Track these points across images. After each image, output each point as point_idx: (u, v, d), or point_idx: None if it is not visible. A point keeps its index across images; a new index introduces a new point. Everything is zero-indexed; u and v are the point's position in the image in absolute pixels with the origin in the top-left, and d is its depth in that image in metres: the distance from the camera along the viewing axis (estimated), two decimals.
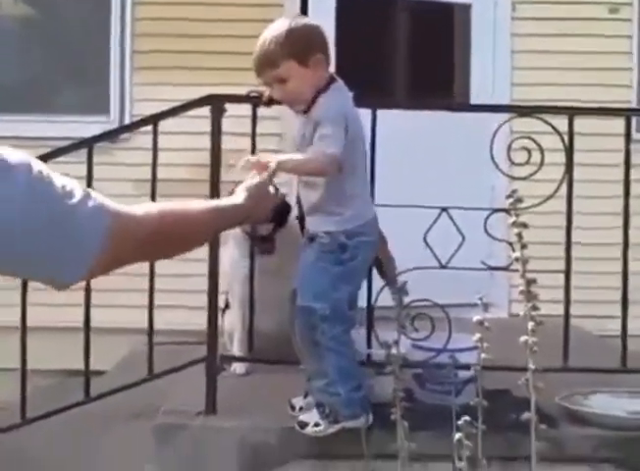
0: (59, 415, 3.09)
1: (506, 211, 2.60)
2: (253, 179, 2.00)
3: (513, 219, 2.55)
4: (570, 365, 3.05)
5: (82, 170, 3.12)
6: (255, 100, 3.06)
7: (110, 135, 3.67)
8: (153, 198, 3.17)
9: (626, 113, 3.36)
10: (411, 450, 2.51)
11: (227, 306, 3.67)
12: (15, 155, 1.39)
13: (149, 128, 3.28)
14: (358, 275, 2.87)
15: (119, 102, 4.76)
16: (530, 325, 2.44)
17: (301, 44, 2.73)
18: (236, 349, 3.55)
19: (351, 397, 2.79)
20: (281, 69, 2.73)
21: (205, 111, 3.14)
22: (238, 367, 3.46)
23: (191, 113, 3.25)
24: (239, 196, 1.85)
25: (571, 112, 3.21)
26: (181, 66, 4.66)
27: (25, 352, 3.10)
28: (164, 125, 3.33)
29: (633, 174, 3.20)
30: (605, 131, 4.24)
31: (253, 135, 3.16)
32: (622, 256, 3.16)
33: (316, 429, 2.79)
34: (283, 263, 3.28)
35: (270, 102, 2.98)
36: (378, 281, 3.21)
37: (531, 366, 2.40)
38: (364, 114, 2.99)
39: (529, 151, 3.04)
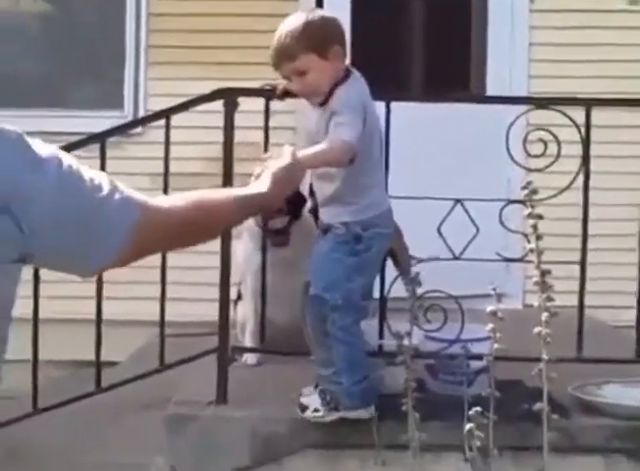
0: (70, 405, 3.10)
1: (522, 202, 2.60)
2: (278, 164, 1.94)
3: (529, 210, 2.55)
4: (584, 356, 3.03)
5: (96, 164, 3.13)
6: (268, 93, 3.05)
7: (121, 130, 3.67)
8: (166, 192, 3.18)
9: None
10: (422, 440, 2.50)
11: (239, 298, 3.67)
12: (46, 149, 1.40)
13: (163, 122, 3.28)
14: (372, 266, 2.86)
15: (133, 97, 4.77)
16: (544, 316, 2.44)
17: (319, 37, 2.73)
18: (247, 340, 3.55)
19: (353, 389, 2.78)
20: (299, 61, 2.72)
21: (219, 105, 3.14)
22: (249, 358, 3.45)
23: (205, 107, 3.26)
24: (264, 183, 1.81)
25: (588, 103, 3.19)
26: (195, 61, 4.66)
27: (36, 344, 3.11)
28: (178, 119, 3.33)
29: None
30: (622, 123, 4.20)
31: (266, 129, 3.16)
32: (638, 247, 3.14)
33: (315, 414, 2.80)
34: (297, 256, 3.28)
35: (284, 95, 2.98)
36: (391, 272, 3.20)
37: (544, 357, 2.39)
38: (379, 106, 2.98)
39: (545, 143, 3.02)
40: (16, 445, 3.09)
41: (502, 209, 3.05)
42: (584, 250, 3.11)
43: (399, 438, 2.54)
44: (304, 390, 2.90)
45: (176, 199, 1.57)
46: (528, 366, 2.43)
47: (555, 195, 2.98)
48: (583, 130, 3.10)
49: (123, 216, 1.43)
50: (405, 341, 2.62)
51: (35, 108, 4.67)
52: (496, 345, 2.47)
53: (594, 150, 3.15)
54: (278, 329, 3.30)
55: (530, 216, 2.49)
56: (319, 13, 2.86)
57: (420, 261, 3.00)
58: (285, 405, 2.89)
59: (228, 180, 3.05)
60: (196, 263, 3.85)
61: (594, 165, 3.15)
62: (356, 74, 2.83)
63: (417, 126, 4.11)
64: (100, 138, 3.32)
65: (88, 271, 1.47)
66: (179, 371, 3.18)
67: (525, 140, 3.05)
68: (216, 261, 3.09)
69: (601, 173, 3.37)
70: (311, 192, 2.93)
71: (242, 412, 2.92)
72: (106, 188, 1.42)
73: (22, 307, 1.59)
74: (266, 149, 3.06)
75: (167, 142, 3.27)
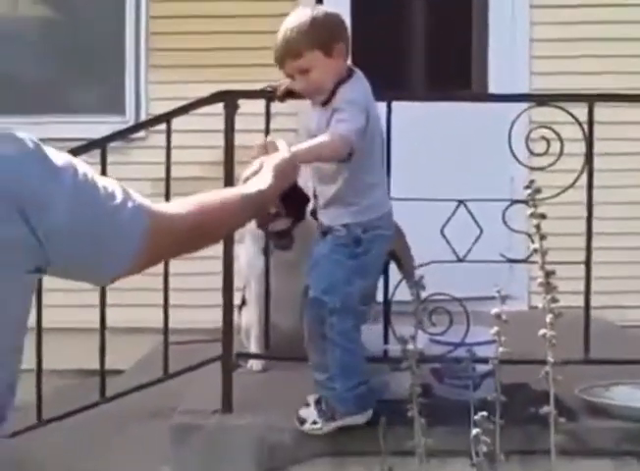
0: (75, 416, 3.09)
1: (525, 202, 2.58)
2: (275, 159, 1.92)
3: (531, 210, 2.53)
4: (591, 357, 3.01)
5: (97, 171, 3.10)
6: (269, 95, 3.03)
7: (121, 135, 3.65)
8: (167, 197, 3.17)
9: None
10: (428, 446, 2.48)
11: (244, 303, 3.66)
12: (61, 157, 1.41)
13: (164, 126, 3.27)
14: (372, 269, 2.84)
15: (134, 101, 4.76)
16: (549, 317, 2.41)
17: (325, 34, 2.71)
18: (253, 346, 3.54)
19: (346, 395, 2.77)
20: (304, 59, 2.70)
21: (220, 108, 3.13)
22: (254, 364, 3.44)
23: (206, 110, 3.24)
24: (265, 180, 1.80)
25: (590, 99, 3.15)
26: (196, 64, 4.64)
27: (40, 353, 3.10)
28: (180, 123, 3.32)
29: None
30: (625, 120, 4.17)
31: (267, 131, 3.14)
32: None
33: (314, 426, 2.79)
34: (300, 259, 3.25)
35: (285, 97, 2.96)
36: (394, 275, 3.18)
37: (550, 359, 2.37)
38: (380, 106, 2.96)
39: (548, 141, 3.00)
40: (20, 457, 3.08)
41: (505, 210, 3.02)
42: (589, 249, 3.09)
43: (405, 444, 2.51)
44: (309, 397, 2.88)
45: (182, 204, 1.57)
46: (535, 369, 2.41)
47: (558, 194, 2.95)
48: (586, 126, 3.08)
49: (135, 223, 1.44)
50: (410, 346, 2.61)
51: (36, 114, 4.66)
52: (501, 349, 2.44)
53: (597, 147, 3.12)
54: (282, 333, 3.29)
55: (533, 216, 2.47)
56: (323, 9, 2.83)
57: (422, 265, 2.98)
58: (290, 413, 2.88)
59: (229, 183, 3.03)
60: (199, 269, 3.83)
61: (597, 162, 3.12)
62: (359, 73, 2.80)
63: (419, 125, 4.09)
64: (101, 144, 3.31)
65: (103, 279, 1.49)
66: (184, 378, 3.16)
67: (528, 138, 3.03)
68: (218, 266, 3.07)
69: (604, 170, 3.34)
70: (314, 195, 2.91)
71: (248, 420, 2.91)
72: (119, 196, 1.43)
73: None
74: (265, 151, 3.04)
75: (168, 146, 3.26)
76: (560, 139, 2.99)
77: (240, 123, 3.12)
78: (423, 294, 2.75)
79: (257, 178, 1.81)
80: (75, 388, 3.87)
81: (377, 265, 2.87)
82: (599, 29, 4.71)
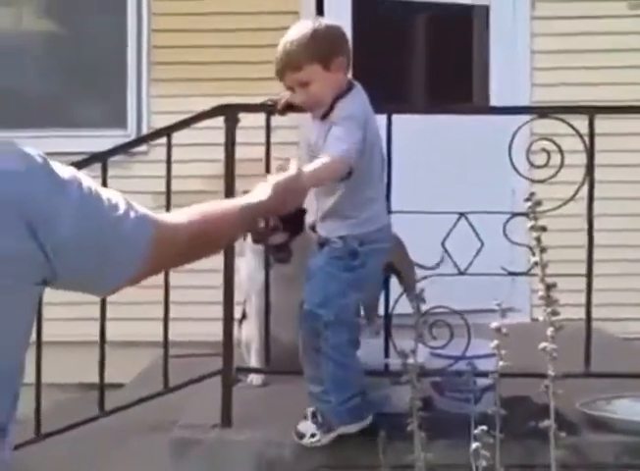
0: (76, 429, 3.08)
1: (526, 215, 2.58)
2: (281, 176, 1.92)
3: (532, 223, 2.52)
4: (592, 370, 2.99)
5: (99, 184, 3.11)
6: (269, 109, 3.03)
7: (122, 149, 3.66)
8: (168, 210, 3.16)
9: None
10: (428, 460, 2.46)
11: (244, 316, 3.65)
12: (66, 170, 1.43)
13: (165, 140, 3.27)
14: (368, 282, 2.84)
15: (136, 115, 4.76)
16: (550, 331, 2.40)
17: (325, 47, 2.71)
18: (253, 360, 3.53)
19: (341, 408, 2.77)
20: (304, 72, 2.70)
21: (221, 121, 3.13)
22: (255, 378, 3.43)
23: (207, 123, 3.24)
24: (265, 192, 1.81)
25: (591, 111, 3.15)
26: (198, 77, 4.65)
27: (39, 367, 3.10)
28: (181, 137, 3.32)
29: None
30: (626, 131, 4.17)
31: (268, 144, 3.14)
32: None
33: (312, 440, 2.80)
34: (299, 272, 3.24)
35: (285, 110, 2.96)
36: (395, 289, 3.18)
37: (550, 372, 2.36)
38: (380, 119, 2.96)
39: (548, 153, 2.99)
40: None
41: (506, 222, 3.02)
42: (590, 262, 3.08)
43: (404, 458, 2.50)
44: (308, 410, 2.88)
45: (184, 214, 1.58)
46: (536, 382, 2.40)
47: (559, 206, 2.95)
48: (587, 138, 3.07)
49: (139, 234, 1.46)
50: (411, 360, 2.60)
51: (38, 128, 4.67)
52: (501, 363, 2.43)
53: (598, 159, 3.12)
54: (283, 347, 3.27)
55: (533, 228, 2.46)
56: (324, 22, 2.83)
57: (424, 277, 2.97)
58: (290, 428, 2.87)
59: (230, 196, 3.03)
60: (199, 282, 3.83)
61: (598, 174, 3.12)
62: (358, 86, 2.80)
63: (420, 137, 4.09)
64: (101, 158, 3.31)
65: (106, 289, 1.50)
66: (184, 392, 3.16)
67: (529, 151, 3.03)
68: (219, 279, 3.07)
69: (605, 182, 3.34)
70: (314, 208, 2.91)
71: (247, 435, 2.90)
72: (122, 207, 1.45)
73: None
74: (267, 165, 3.05)
75: (169, 160, 3.26)
76: (561, 151, 2.99)
77: (240, 136, 3.12)
78: (424, 307, 2.75)
79: (258, 190, 1.82)
80: (75, 401, 3.87)
81: (373, 278, 2.87)
82: (600, 41, 4.72)
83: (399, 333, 2.96)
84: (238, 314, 3.43)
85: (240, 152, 3.13)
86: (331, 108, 2.73)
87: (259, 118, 3.11)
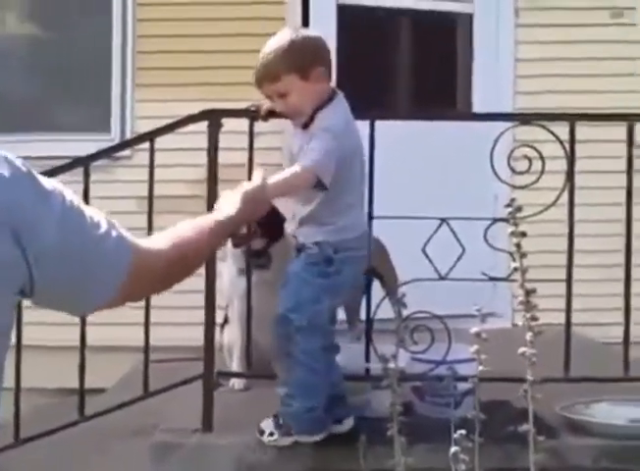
0: (55, 434, 3.07)
1: (506, 220, 2.59)
2: (248, 186, 1.96)
3: (512, 228, 2.54)
4: (572, 374, 3.01)
5: (81, 189, 3.12)
6: (253, 114, 3.04)
7: (106, 153, 3.66)
8: (150, 215, 3.17)
9: (628, 119, 3.32)
10: (408, 465, 2.47)
11: (226, 321, 3.65)
12: (49, 183, 1.42)
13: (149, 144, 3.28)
14: (343, 289, 2.85)
15: (120, 120, 4.76)
16: (529, 336, 2.42)
17: (302, 58, 2.72)
18: (235, 365, 3.53)
19: (303, 416, 2.78)
20: (281, 83, 2.72)
21: (205, 127, 3.13)
22: (236, 383, 3.44)
23: (192, 128, 3.25)
24: (233, 204, 1.84)
25: (572, 118, 3.18)
26: (182, 83, 4.65)
27: (19, 371, 3.09)
28: (164, 141, 3.32)
29: (636, 180, 3.16)
30: (607, 138, 4.19)
31: (251, 149, 3.15)
32: (625, 263, 3.13)
33: (270, 438, 2.82)
34: (279, 277, 3.24)
35: (268, 116, 2.97)
36: (377, 294, 3.19)
37: (529, 377, 2.37)
38: (363, 125, 2.97)
39: (530, 159, 3.02)
40: None
41: (487, 228, 3.03)
42: (570, 267, 3.10)
43: (385, 462, 2.51)
44: (263, 424, 2.90)
45: (159, 241, 1.57)
46: (516, 387, 2.41)
47: (540, 212, 2.97)
48: (567, 145, 3.10)
49: (120, 254, 1.45)
50: (391, 364, 2.60)
51: (22, 132, 4.66)
52: (481, 367, 2.44)
53: (579, 166, 3.14)
54: (264, 352, 3.27)
55: (513, 234, 2.47)
56: (302, 33, 2.84)
57: (406, 283, 2.98)
58: None
59: (212, 201, 3.03)
60: (180, 287, 3.80)
61: (579, 180, 3.14)
62: (340, 95, 2.82)
63: (402, 143, 4.11)
64: (84, 162, 3.31)
65: (86, 307, 1.49)
66: (165, 397, 3.15)
67: (510, 157, 3.05)
68: (200, 284, 3.06)
69: (586, 188, 3.36)
70: (294, 215, 2.92)
71: (228, 439, 2.90)
72: (104, 226, 1.44)
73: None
74: (250, 170, 3.06)
75: (151, 164, 3.26)
76: (542, 158, 3.01)
77: (224, 141, 3.13)
78: (405, 312, 2.76)
79: (227, 203, 1.85)
80: (55, 406, 3.85)
81: (349, 285, 2.88)
82: (582, 49, 4.75)
83: (380, 337, 2.96)
84: (220, 318, 3.43)
85: (223, 157, 3.14)
86: (312, 118, 2.75)
87: (242, 123, 3.12)
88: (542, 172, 3.00)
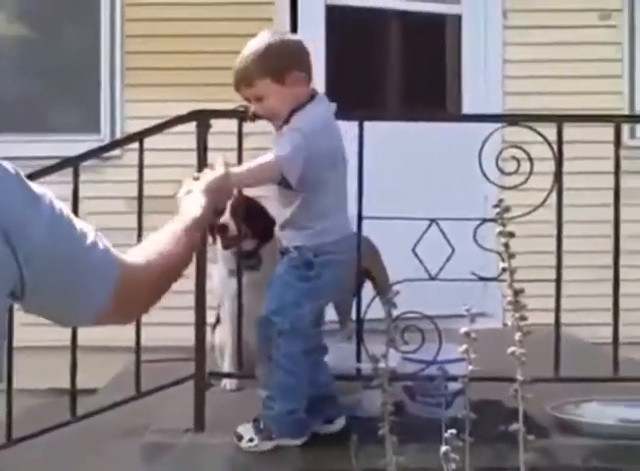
0: (47, 434, 3.07)
1: (495, 221, 2.61)
2: (210, 176, 1.98)
3: (500, 229, 2.55)
4: (562, 374, 3.03)
5: (70, 189, 3.12)
6: (241, 115, 3.05)
7: (95, 153, 3.65)
8: (140, 215, 3.17)
9: (615, 120, 3.34)
10: (400, 464, 2.48)
11: (218, 321, 3.66)
12: (39, 189, 1.42)
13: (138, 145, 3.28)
14: (324, 292, 2.85)
15: (109, 120, 4.76)
16: (518, 335, 2.43)
17: (278, 62, 2.73)
18: (226, 365, 3.53)
19: (283, 419, 2.78)
20: (257, 87, 2.74)
21: (194, 127, 3.14)
22: (228, 383, 3.44)
23: (181, 129, 3.25)
24: (198, 201, 1.83)
25: (560, 120, 3.20)
26: (171, 83, 4.65)
27: (11, 372, 3.09)
28: (154, 141, 3.32)
29: (623, 181, 3.18)
30: (594, 139, 4.22)
31: (239, 150, 3.16)
32: (614, 263, 3.15)
33: (250, 444, 2.80)
34: (268, 278, 3.26)
35: (255, 117, 2.98)
36: (367, 294, 3.20)
37: (519, 377, 2.39)
38: (352, 126, 2.98)
39: (518, 160, 3.03)
40: None
41: (476, 228, 3.05)
42: (559, 267, 3.12)
43: (376, 462, 2.52)
44: (240, 428, 2.89)
45: (139, 255, 1.55)
46: (506, 386, 2.43)
47: (528, 213, 2.98)
48: (555, 146, 3.12)
49: (107, 265, 1.45)
50: (382, 364, 2.62)
51: (10, 133, 4.66)
52: (470, 367, 2.46)
53: (567, 166, 3.16)
54: (254, 352, 3.28)
55: (502, 234, 2.49)
56: (281, 36, 2.84)
57: (397, 282, 2.99)
58: None
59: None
60: (172, 287, 3.82)
61: (567, 181, 3.16)
62: (320, 96, 2.82)
63: (391, 143, 4.12)
64: (74, 163, 3.31)
65: (77, 316, 1.47)
66: (156, 397, 3.16)
67: (498, 158, 3.06)
68: (191, 285, 3.07)
69: (574, 189, 3.38)
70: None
71: (220, 439, 2.90)
72: (91, 237, 1.44)
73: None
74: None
75: (141, 165, 3.27)
76: (530, 159, 3.03)
77: (213, 141, 3.13)
78: (395, 312, 2.77)
79: (190, 202, 1.83)
80: (47, 407, 3.85)
81: (330, 288, 2.88)
82: (570, 51, 4.78)
83: (370, 337, 2.98)
84: (211, 319, 3.43)
85: (212, 158, 3.14)
86: (287, 120, 2.76)
87: (231, 124, 3.12)
88: (530, 173, 3.02)
